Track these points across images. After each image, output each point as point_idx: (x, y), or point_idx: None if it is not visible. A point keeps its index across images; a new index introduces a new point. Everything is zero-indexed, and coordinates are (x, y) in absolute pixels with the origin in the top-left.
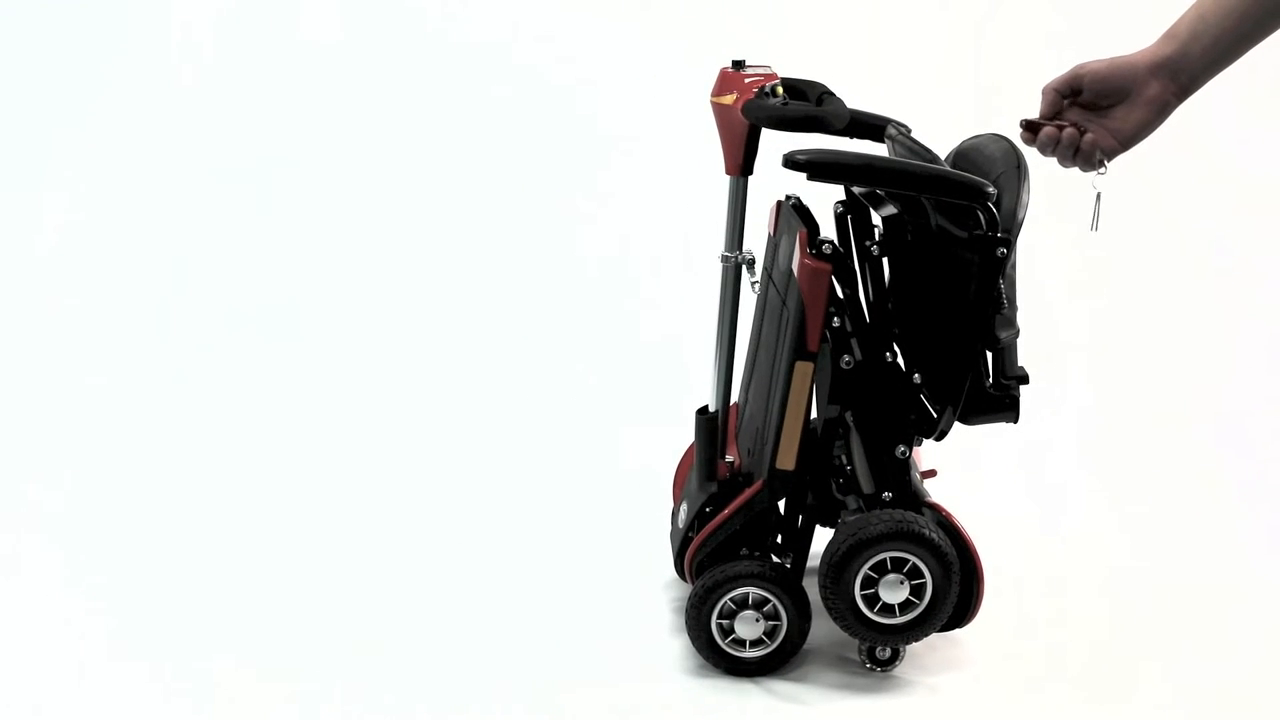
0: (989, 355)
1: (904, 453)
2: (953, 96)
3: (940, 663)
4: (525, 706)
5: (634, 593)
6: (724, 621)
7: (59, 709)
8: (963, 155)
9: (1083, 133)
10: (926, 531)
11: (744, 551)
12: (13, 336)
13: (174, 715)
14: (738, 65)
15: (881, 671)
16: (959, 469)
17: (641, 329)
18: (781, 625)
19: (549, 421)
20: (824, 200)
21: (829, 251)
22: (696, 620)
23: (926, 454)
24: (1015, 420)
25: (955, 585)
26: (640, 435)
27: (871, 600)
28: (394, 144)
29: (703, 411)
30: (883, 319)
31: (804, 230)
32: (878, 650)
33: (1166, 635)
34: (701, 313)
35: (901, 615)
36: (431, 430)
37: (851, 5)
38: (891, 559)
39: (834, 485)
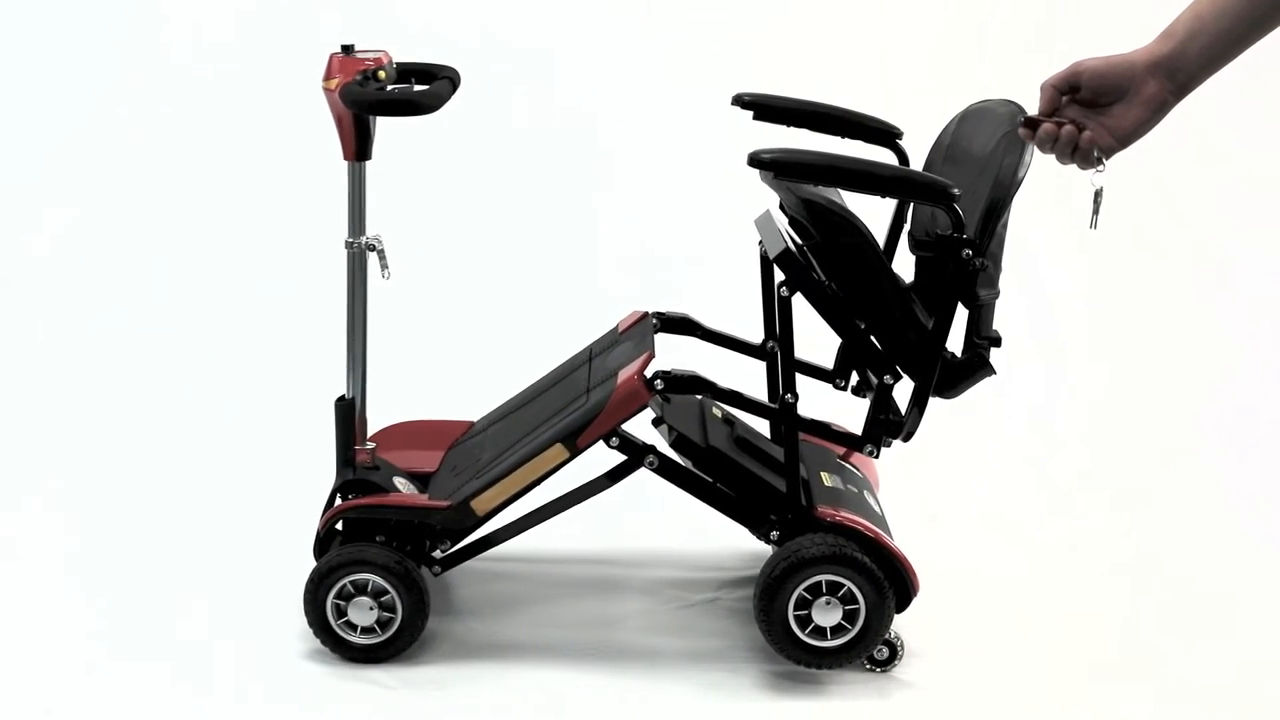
0: (962, 317)
1: (872, 451)
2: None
3: (938, 662)
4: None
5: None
6: (340, 602)
7: (59, 708)
8: (967, 118)
9: (1081, 130)
10: (853, 553)
11: (379, 538)
12: (12, 335)
13: (173, 713)
14: (347, 50)
15: (880, 671)
16: (958, 467)
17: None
18: (395, 619)
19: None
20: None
21: (659, 387)
22: (314, 595)
23: (925, 449)
24: (992, 373)
25: (890, 608)
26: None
27: (804, 622)
28: None
29: (340, 399)
30: (788, 361)
31: (650, 353)
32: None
33: (1166, 635)
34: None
35: (835, 638)
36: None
37: (852, 4)
38: (823, 582)
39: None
